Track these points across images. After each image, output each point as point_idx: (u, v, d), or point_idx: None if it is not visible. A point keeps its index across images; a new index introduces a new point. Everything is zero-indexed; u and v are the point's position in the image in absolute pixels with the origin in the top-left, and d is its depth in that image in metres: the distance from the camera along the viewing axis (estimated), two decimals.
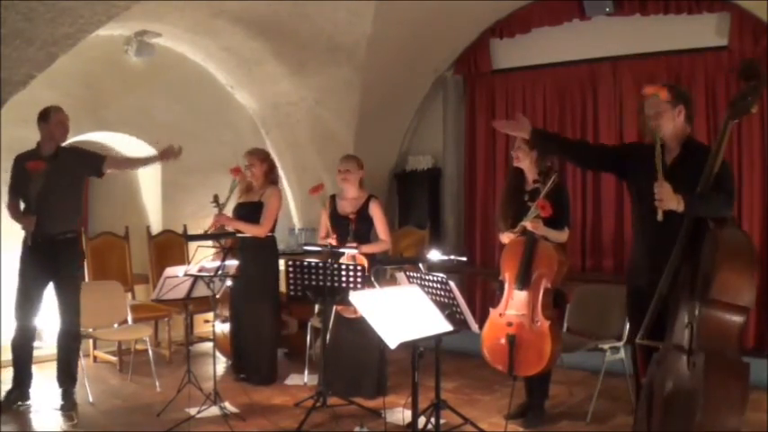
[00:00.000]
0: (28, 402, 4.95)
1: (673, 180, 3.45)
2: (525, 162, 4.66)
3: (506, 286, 4.51)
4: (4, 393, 5.02)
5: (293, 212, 8.07)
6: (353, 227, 5.16)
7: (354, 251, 5.09)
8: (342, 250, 5.09)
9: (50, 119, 4.93)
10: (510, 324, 4.36)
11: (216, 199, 5.48)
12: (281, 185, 7.88)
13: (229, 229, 5.49)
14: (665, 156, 3.62)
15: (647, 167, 3.55)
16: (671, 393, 3.06)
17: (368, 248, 5.21)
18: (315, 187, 5.43)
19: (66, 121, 4.98)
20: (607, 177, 6.66)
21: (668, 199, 3.38)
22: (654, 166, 3.49)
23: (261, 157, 5.78)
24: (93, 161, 5.12)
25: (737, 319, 3.05)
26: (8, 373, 5.39)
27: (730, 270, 3.02)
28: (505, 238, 4.66)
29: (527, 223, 4.36)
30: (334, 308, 5.06)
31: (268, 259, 5.72)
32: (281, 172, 7.86)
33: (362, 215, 5.30)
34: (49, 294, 4.98)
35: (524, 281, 4.40)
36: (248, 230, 5.52)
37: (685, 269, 3.26)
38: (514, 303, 4.43)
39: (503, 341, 4.34)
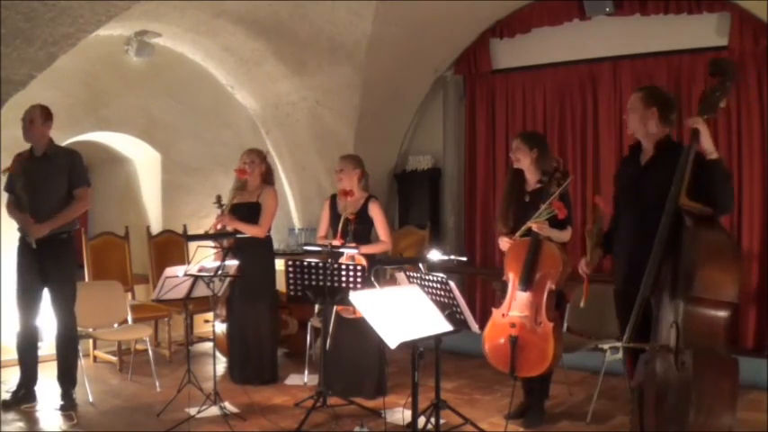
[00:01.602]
0: (34, 403, 4.96)
1: (646, 180, 3.60)
2: (525, 162, 4.64)
3: (509, 287, 4.50)
4: (5, 393, 5.03)
5: (293, 212, 8.07)
6: (352, 227, 5.15)
7: (354, 251, 5.09)
8: (342, 250, 5.09)
9: (23, 119, 4.93)
10: (513, 325, 4.35)
11: (218, 199, 5.49)
12: (281, 185, 7.90)
13: (230, 229, 5.49)
14: (642, 157, 3.73)
15: (623, 171, 3.77)
16: (662, 394, 3.05)
17: (367, 249, 5.20)
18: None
19: (35, 117, 4.90)
20: (607, 177, 6.66)
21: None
22: (631, 168, 3.71)
23: (261, 156, 5.79)
24: (77, 177, 4.99)
25: (722, 314, 3.05)
26: (9, 373, 5.41)
27: (711, 267, 3.03)
28: (504, 243, 4.63)
29: (532, 224, 4.35)
30: (335, 308, 5.06)
31: (266, 259, 5.72)
32: (280, 172, 7.88)
33: (362, 216, 5.29)
34: (47, 295, 4.98)
35: (528, 281, 4.39)
36: (249, 231, 5.52)
37: (665, 268, 3.26)
38: (517, 304, 4.41)
39: (504, 341, 4.34)
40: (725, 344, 3.06)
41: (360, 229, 5.24)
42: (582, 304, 3.89)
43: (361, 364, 5.18)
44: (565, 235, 4.49)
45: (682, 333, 3.01)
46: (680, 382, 2.97)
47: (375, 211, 5.33)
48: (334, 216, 5.37)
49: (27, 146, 5.04)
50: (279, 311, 6.10)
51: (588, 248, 3.79)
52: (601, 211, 3.78)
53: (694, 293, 3.02)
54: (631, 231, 3.64)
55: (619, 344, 4.69)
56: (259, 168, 5.72)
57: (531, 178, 4.67)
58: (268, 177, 5.82)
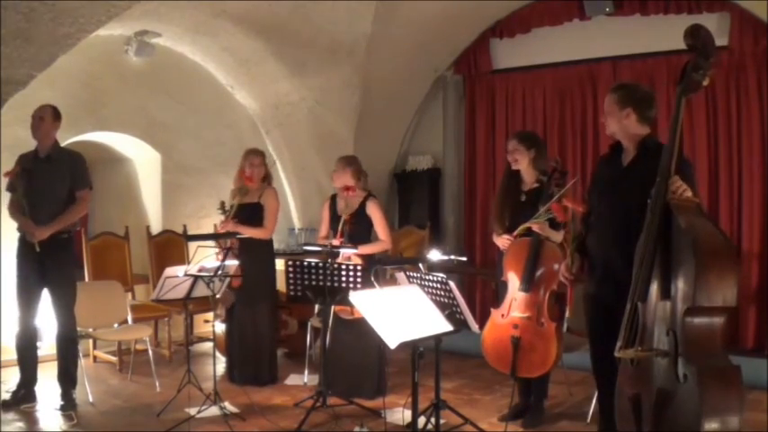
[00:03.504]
0: (34, 403, 4.95)
1: (628, 182, 3.44)
2: (524, 163, 4.64)
3: (510, 287, 4.49)
4: (5, 393, 5.03)
5: (293, 212, 8.07)
6: (348, 228, 5.14)
7: (353, 251, 5.10)
8: (341, 250, 5.09)
9: (33, 115, 4.92)
10: (516, 326, 4.34)
11: (222, 206, 5.45)
12: (281, 185, 7.90)
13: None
14: (624, 159, 3.58)
15: (604, 171, 3.66)
16: (662, 403, 2.94)
17: (366, 249, 5.19)
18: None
19: (45, 115, 4.89)
20: None
21: None
22: (612, 168, 3.55)
23: (264, 157, 5.77)
24: (78, 179, 4.98)
25: (721, 320, 2.90)
26: (9, 373, 5.41)
27: (709, 273, 2.81)
28: (502, 242, 4.63)
29: (534, 225, 4.34)
30: (333, 309, 5.05)
31: (267, 260, 5.72)
32: (280, 172, 7.88)
33: (359, 215, 5.28)
34: (47, 295, 4.98)
35: (530, 282, 4.38)
36: (255, 234, 5.50)
37: (655, 270, 3.05)
38: (519, 305, 4.40)
39: (506, 342, 4.33)
40: (722, 349, 2.92)
41: (357, 229, 5.22)
42: (567, 314, 3.79)
43: (360, 364, 5.18)
44: (559, 236, 4.48)
45: (680, 341, 2.87)
46: (683, 394, 2.83)
47: (373, 210, 5.31)
48: (334, 216, 5.36)
49: (30, 147, 5.04)
50: (278, 312, 6.10)
51: (569, 253, 3.69)
52: (571, 212, 3.65)
53: (694, 303, 2.83)
54: (610, 234, 3.49)
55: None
56: (262, 169, 5.69)
57: (528, 178, 4.67)
58: (267, 177, 5.81)
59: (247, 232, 5.48)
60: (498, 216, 4.72)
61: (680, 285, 2.91)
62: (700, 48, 3.05)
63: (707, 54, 3.04)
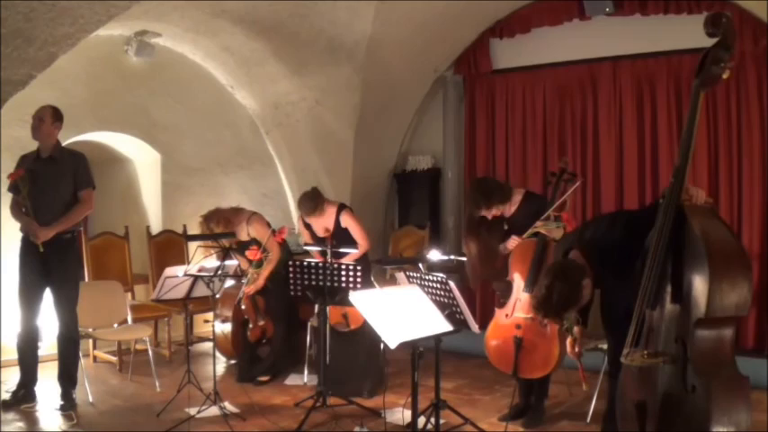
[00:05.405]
0: (34, 403, 4.96)
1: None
2: (511, 208, 4.67)
3: (515, 287, 4.50)
4: (5, 393, 5.03)
5: (293, 212, 8.07)
6: (332, 245, 5.22)
7: (355, 251, 5.15)
8: (342, 250, 5.15)
9: (33, 116, 4.92)
10: (519, 326, 4.35)
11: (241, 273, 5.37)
12: (281, 185, 7.92)
13: (261, 282, 5.56)
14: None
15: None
16: (669, 411, 2.90)
17: (347, 259, 5.32)
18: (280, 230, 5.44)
19: (45, 116, 4.91)
20: (607, 176, 6.67)
21: None
22: None
23: (233, 215, 5.68)
24: (81, 179, 4.99)
25: (731, 328, 2.83)
26: (9, 373, 5.41)
27: (724, 282, 2.71)
28: (511, 243, 4.63)
29: (541, 229, 4.34)
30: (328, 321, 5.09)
31: (286, 260, 5.72)
32: (280, 172, 7.89)
33: (337, 230, 5.42)
34: (48, 295, 4.98)
35: (534, 283, 4.38)
36: (269, 270, 5.55)
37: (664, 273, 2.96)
38: (522, 305, 4.41)
39: (509, 342, 4.33)
40: (731, 358, 2.83)
41: (340, 242, 5.34)
42: (584, 387, 3.69)
43: (345, 366, 5.20)
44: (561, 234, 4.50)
45: (690, 350, 2.77)
46: (690, 403, 2.76)
47: (347, 221, 5.48)
48: (313, 233, 5.57)
49: (32, 147, 5.04)
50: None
51: (569, 328, 3.60)
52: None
53: (706, 314, 2.72)
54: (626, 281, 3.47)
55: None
56: (238, 221, 5.65)
57: (508, 209, 4.69)
58: (238, 211, 5.76)
59: (264, 277, 5.55)
60: (490, 268, 4.68)
61: (692, 293, 2.80)
62: (721, 37, 2.85)
63: (728, 45, 2.84)
